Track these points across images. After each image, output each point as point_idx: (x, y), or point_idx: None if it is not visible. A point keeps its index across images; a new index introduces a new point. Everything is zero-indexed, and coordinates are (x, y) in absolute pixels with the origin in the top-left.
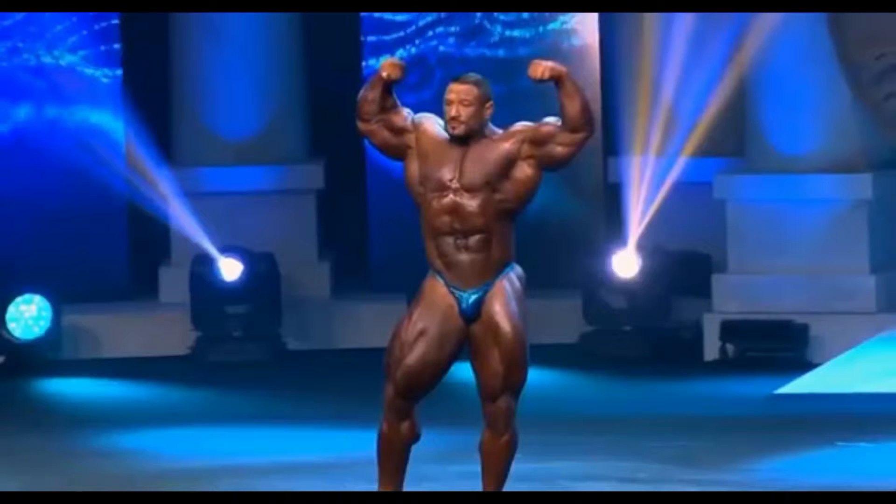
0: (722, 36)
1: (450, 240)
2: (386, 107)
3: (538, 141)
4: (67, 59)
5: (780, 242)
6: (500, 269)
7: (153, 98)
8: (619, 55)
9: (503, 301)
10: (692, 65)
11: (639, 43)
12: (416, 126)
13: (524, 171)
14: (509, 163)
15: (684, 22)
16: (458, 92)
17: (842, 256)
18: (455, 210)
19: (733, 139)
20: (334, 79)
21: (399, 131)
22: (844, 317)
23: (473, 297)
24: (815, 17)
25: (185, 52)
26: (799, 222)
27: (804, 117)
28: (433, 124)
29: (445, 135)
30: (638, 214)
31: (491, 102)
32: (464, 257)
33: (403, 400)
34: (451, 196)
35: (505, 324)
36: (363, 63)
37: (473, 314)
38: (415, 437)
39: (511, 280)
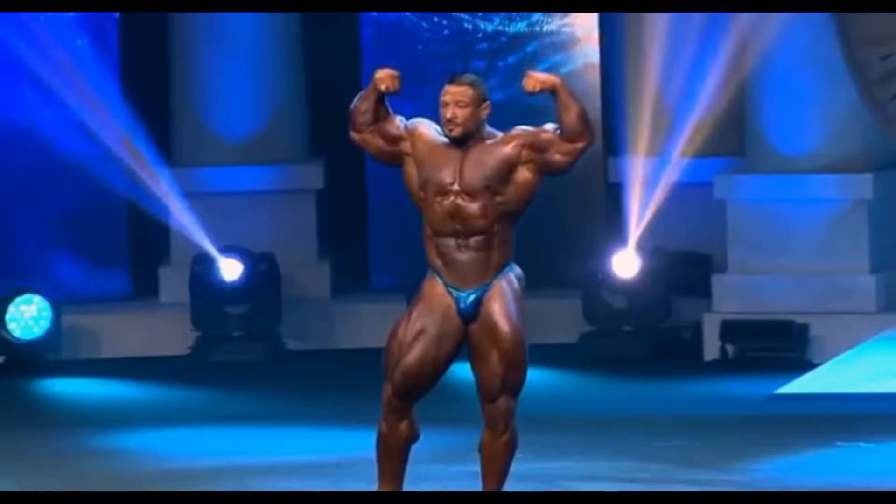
0: (722, 36)
1: (451, 241)
2: (379, 116)
3: (538, 147)
4: (67, 59)
5: (780, 242)
6: (499, 269)
7: (153, 98)
8: (619, 56)
9: (502, 301)
10: (692, 65)
11: (639, 43)
12: (411, 132)
13: (524, 175)
14: (509, 167)
15: (685, 22)
16: (454, 93)
17: (842, 256)
18: (457, 213)
19: (733, 139)
20: (334, 79)
21: (393, 139)
22: (844, 317)
23: (472, 298)
24: (815, 17)
25: (184, 51)
26: (799, 222)
27: (804, 117)
28: (427, 128)
29: (441, 138)
30: (638, 214)
31: (487, 103)
32: (464, 257)
33: (402, 399)
34: (453, 199)
35: (504, 324)
36: (363, 63)
37: (472, 314)
38: (414, 437)
39: (510, 281)
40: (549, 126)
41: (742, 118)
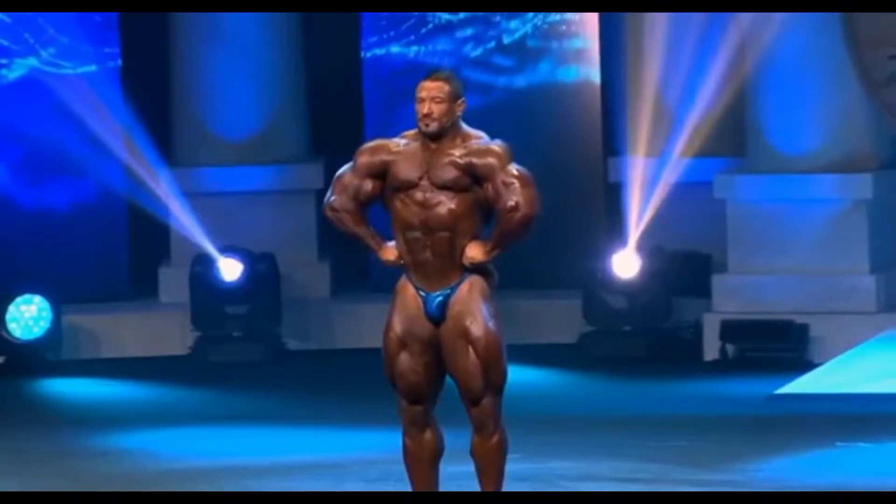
0: (722, 36)
1: (418, 234)
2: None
3: (489, 184)
4: (67, 60)
5: (780, 242)
6: (464, 271)
7: (153, 98)
8: (619, 55)
9: (469, 302)
10: (692, 65)
11: (639, 43)
12: (373, 158)
13: (487, 187)
14: (475, 176)
15: (684, 22)
16: (430, 89)
17: (842, 256)
18: (425, 204)
19: (733, 139)
20: (334, 79)
21: (375, 184)
22: (844, 317)
23: (438, 300)
24: (815, 17)
25: (185, 51)
26: (799, 222)
27: (804, 117)
28: (384, 141)
29: (404, 140)
30: (638, 214)
31: (462, 99)
32: (429, 256)
33: (415, 405)
34: (421, 193)
35: (474, 325)
36: (363, 63)
37: (439, 316)
38: (441, 449)
39: (478, 280)
40: (514, 172)
41: (742, 118)
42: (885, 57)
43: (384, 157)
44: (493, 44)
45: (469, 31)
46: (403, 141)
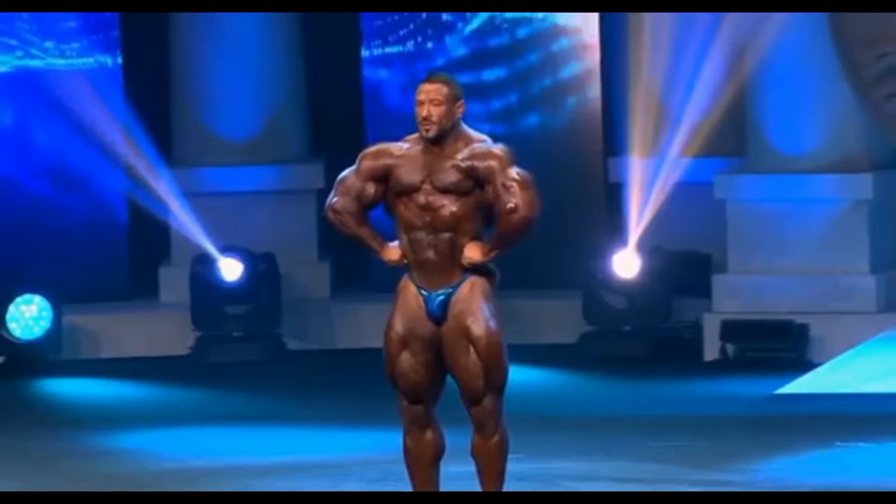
0: (723, 36)
1: (422, 234)
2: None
3: (489, 187)
4: (67, 60)
5: (780, 242)
6: (465, 271)
7: (153, 98)
8: (620, 56)
9: (470, 301)
10: (692, 65)
11: (639, 43)
12: (376, 162)
13: (488, 190)
14: (476, 179)
15: (685, 22)
16: (428, 92)
17: (842, 256)
18: (428, 206)
19: (733, 139)
20: (334, 79)
21: (378, 187)
22: (844, 317)
23: (440, 299)
24: (815, 16)
25: (185, 51)
26: (799, 222)
27: (804, 117)
28: (386, 145)
29: (407, 144)
30: (638, 214)
31: (462, 101)
32: (432, 255)
33: (416, 404)
34: (425, 196)
35: (475, 324)
36: (363, 63)
37: (440, 316)
38: (442, 448)
39: (479, 280)
40: (511, 195)
41: (742, 118)
42: (874, 56)
43: (387, 161)
44: (493, 44)
45: (469, 31)
46: (406, 144)
